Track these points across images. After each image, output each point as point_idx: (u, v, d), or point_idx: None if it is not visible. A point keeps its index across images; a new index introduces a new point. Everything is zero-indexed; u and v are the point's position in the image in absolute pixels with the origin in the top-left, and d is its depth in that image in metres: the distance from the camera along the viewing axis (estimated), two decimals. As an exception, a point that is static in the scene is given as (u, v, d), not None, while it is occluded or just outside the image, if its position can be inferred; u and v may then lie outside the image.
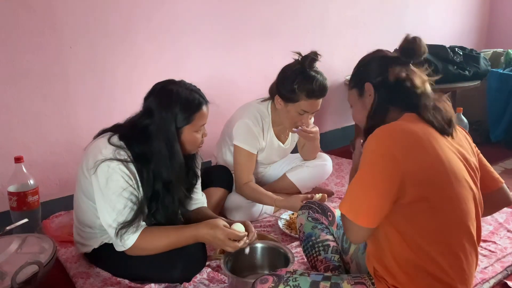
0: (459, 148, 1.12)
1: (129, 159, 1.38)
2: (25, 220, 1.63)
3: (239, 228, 1.41)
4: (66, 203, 1.99)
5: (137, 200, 1.38)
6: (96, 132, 1.50)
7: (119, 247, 1.39)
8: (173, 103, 1.39)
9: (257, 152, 1.98)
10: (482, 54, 2.96)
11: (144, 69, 2.18)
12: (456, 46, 2.88)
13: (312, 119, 2.02)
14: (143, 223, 1.40)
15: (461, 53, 2.83)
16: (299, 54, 1.82)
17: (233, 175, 1.98)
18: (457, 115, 2.59)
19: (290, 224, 1.88)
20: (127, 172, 1.37)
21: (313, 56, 1.78)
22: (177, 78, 1.48)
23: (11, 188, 1.79)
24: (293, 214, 1.92)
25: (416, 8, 3.52)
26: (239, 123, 1.91)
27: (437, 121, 1.09)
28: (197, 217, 1.59)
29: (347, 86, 1.27)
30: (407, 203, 1.02)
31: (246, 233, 1.41)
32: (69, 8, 1.94)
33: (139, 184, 1.40)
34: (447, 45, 2.84)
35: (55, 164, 2.01)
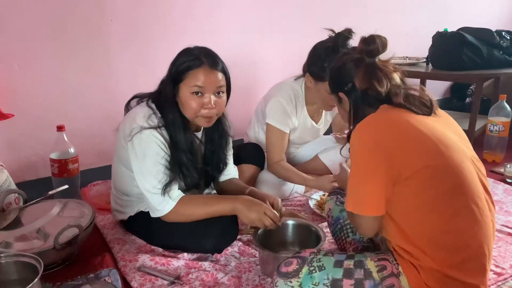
0: (446, 121, 1.15)
1: (161, 124, 1.39)
2: (66, 186, 1.71)
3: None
4: (104, 172, 2.06)
5: (171, 165, 1.41)
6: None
7: (156, 213, 1.42)
8: (173, 61, 1.41)
9: (290, 131, 1.97)
10: (531, 40, 2.81)
11: (183, 44, 2.19)
12: (503, 30, 2.74)
13: None
14: (179, 191, 1.42)
15: (508, 38, 2.68)
16: (333, 31, 1.76)
17: (265, 153, 1.98)
18: (499, 103, 2.49)
19: (321, 204, 1.88)
20: (160, 138, 1.39)
21: (346, 34, 1.70)
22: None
23: (53, 155, 1.87)
24: (324, 194, 1.92)
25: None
26: (272, 101, 1.91)
27: (413, 105, 1.11)
28: (229, 188, 1.62)
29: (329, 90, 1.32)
30: (404, 180, 1.03)
31: (276, 207, 1.44)
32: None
33: (171, 148, 1.41)
34: (494, 29, 2.70)
35: (95, 135, 2.08)
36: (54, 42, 1.90)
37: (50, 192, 1.63)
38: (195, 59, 1.36)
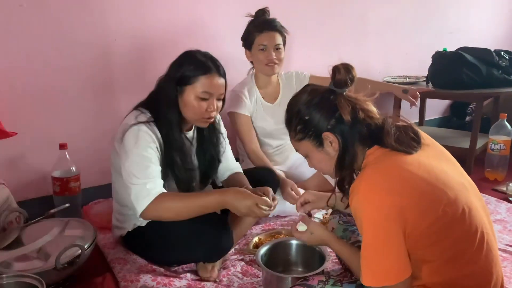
0: (435, 151, 1.10)
1: (150, 120, 1.42)
2: (67, 205, 1.69)
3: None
4: (106, 190, 2.04)
5: (159, 160, 1.41)
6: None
7: (136, 208, 1.35)
8: (179, 62, 1.44)
9: (253, 119, 2.05)
10: (529, 59, 2.84)
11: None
12: (502, 50, 2.77)
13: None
14: (162, 188, 1.39)
15: (507, 58, 2.71)
16: (251, 14, 2.02)
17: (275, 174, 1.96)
18: (500, 121, 2.50)
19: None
20: (150, 132, 1.40)
21: (263, 9, 2.00)
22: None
23: (55, 174, 1.86)
24: (326, 213, 1.91)
25: (458, 10, 3.42)
26: (229, 93, 1.96)
27: (404, 144, 1.04)
28: (231, 184, 1.62)
29: (293, 138, 1.16)
30: (418, 235, 0.98)
31: (274, 201, 1.40)
32: (115, 5, 1.99)
33: (162, 145, 1.43)
34: (492, 49, 2.74)
35: (97, 153, 2.07)
36: (57, 59, 1.91)
37: (52, 211, 1.62)
38: (204, 65, 1.42)
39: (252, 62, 2.06)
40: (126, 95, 2.10)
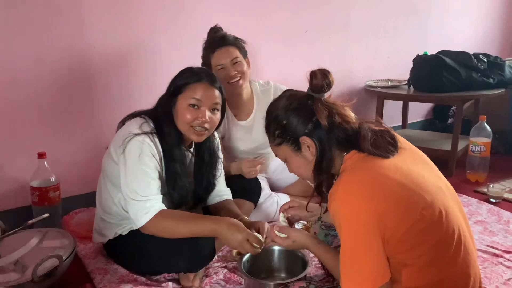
0: (412, 154, 1.11)
1: (154, 131, 1.42)
2: (46, 215, 1.65)
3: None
4: (86, 200, 2.02)
5: (159, 175, 1.41)
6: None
7: (136, 223, 1.38)
8: (178, 74, 1.46)
9: (225, 137, 1.98)
10: (507, 62, 2.90)
11: (167, 66, 2.20)
12: (481, 53, 2.82)
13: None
14: (162, 204, 1.40)
15: (485, 61, 2.77)
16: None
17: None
18: (480, 123, 2.54)
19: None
20: (153, 146, 1.39)
21: (213, 27, 1.95)
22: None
23: (34, 183, 1.83)
24: (307, 223, 1.90)
25: (438, 14, 3.48)
26: None
27: (381, 149, 1.05)
28: (221, 211, 1.61)
29: (272, 143, 1.17)
30: (397, 240, 0.99)
31: (263, 231, 1.41)
32: (96, 11, 1.97)
33: (163, 158, 1.43)
34: (471, 52, 2.78)
35: (77, 162, 2.04)
36: (36, 69, 1.88)
37: (30, 222, 1.58)
38: (196, 75, 1.44)
39: None
40: (105, 104, 2.08)
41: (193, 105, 1.41)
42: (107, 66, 2.06)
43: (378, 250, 0.98)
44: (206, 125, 1.43)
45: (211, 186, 1.62)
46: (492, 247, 1.76)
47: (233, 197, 1.72)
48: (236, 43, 1.90)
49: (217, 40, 1.88)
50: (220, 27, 1.95)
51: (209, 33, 1.94)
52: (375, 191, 1.00)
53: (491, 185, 2.30)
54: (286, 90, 1.22)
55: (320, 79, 1.10)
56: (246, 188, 1.89)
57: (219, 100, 1.46)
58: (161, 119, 1.44)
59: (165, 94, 1.48)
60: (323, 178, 1.12)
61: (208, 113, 1.43)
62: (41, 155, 1.83)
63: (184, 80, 1.44)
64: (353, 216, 0.99)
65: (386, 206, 0.98)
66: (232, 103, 1.96)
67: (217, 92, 1.45)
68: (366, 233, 0.98)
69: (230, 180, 1.76)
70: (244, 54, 1.93)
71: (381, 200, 0.99)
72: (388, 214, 0.98)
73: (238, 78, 1.88)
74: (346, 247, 1.01)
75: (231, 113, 1.99)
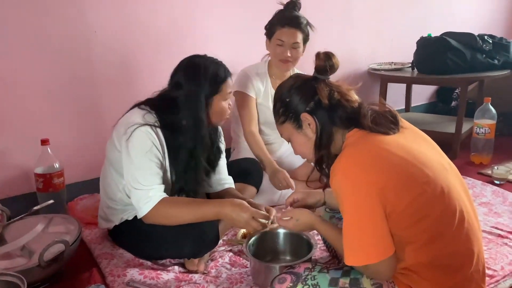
0: (413, 134, 1.13)
1: (157, 124, 1.41)
2: (51, 201, 1.66)
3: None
4: (91, 186, 2.02)
5: (162, 165, 1.42)
6: (120, 116, 1.51)
7: (138, 212, 1.39)
8: (202, 75, 1.43)
9: (257, 99, 2.04)
10: (512, 43, 2.86)
11: (170, 55, 2.18)
12: (486, 34, 2.79)
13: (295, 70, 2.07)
14: (163, 193, 1.40)
15: (490, 42, 2.73)
16: (282, 3, 1.99)
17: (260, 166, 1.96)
18: (484, 105, 2.52)
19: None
20: (155, 136, 1.40)
21: (294, 1, 1.97)
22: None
23: (38, 170, 1.83)
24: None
25: (443, -5, 3.43)
26: (237, 74, 1.96)
27: (381, 125, 1.07)
28: (223, 197, 1.60)
29: (277, 122, 1.20)
30: (399, 213, 0.99)
31: (271, 214, 1.40)
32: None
33: (165, 151, 1.43)
34: (476, 33, 2.75)
35: (80, 148, 2.04)
36: (37, 54, 1.87)
37: (35, 208, 1.59)
38: (223, 72, 1.46)
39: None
40: (108, 89, 2.07)
41: (225, 99, 1.47)
42: (109, 51, 2.04)
43: (381, 222, 0.98)
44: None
45: (219, 150, 1.64)
46: (497, 228, 1.76)
47: (234, 181, 1.72)
48: (305, 29, 1.95)
49: (289, 18, 1.93)
50: (299, 3, 1.98)
51: (287, 5, 1.98)
52: (376, 164, 1.00)
53: (495, 167, 2.29)
54: (295, 73, 1.25)
55: (323, 60, 1.12)
56: (247, 171, 1.90)
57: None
58: (189, 107, 1.41)
59: (192, 96, 1.42)
60: (322, 154, 1.13)
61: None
62: (44, 142, 1.82)
63: (218, 83, 1.44)
64: (355, 187, 0.99)
65: (387, 179, 0.99)
66: (275, 74, 2.07)
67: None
68: (368, 204, 0.98)
69: (231, 164, 1.77)
70: (306, 40, 1.99)
71: (382, 173, 0.99)
72: (389, 187, 0.98)
73: (289, 61, 1.96)
74: (348, 221, 1.01)
75: (270, 82, 2.07)
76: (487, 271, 1.46)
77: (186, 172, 1.46)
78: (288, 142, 1.22)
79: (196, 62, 1.45)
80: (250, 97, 2.01)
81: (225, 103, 1.48)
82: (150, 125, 1.39)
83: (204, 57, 1.48)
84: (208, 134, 1.48)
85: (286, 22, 1.92)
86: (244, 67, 2.07)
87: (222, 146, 1.68)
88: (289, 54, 1.94)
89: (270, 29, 1.96)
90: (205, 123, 1.44)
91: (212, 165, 1.61)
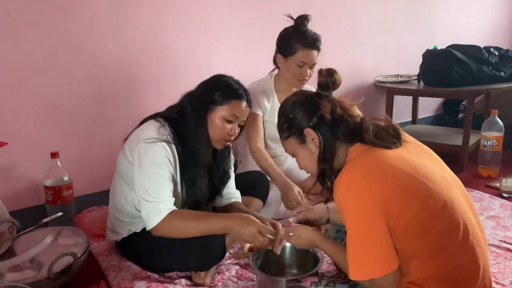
0: (416, 148, 1.13)
1: (169, 138, 1.43)
2: (60, 213, 1.68)
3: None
4: (99, 198, 2.04)
5: (173, 179, 1.43)
6: (128, 129, 1.54)
7: (147, 224, 1.39)
8: (214, 83, 1.47)
9: (264, 119, 2.04)
10: (518, 55, 2.87)
11: (177, 71, 2.22)
12: (492, 47, 2.80)
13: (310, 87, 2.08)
14: (173, 206, 1.41)
15: (496, 54, 2.74)
16: (291, 17, 1.97)
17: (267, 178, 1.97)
18: (491, 118, 2.52)
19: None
20: (168, 150, 1.41)
21: (305, 15, 1.96)
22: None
23: (47, 183, 1.85)
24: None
25: (448, 8, 3.44)
26: None
27: (383, 140, 1.09)
28: (230, 211, 1.60)
29: (281, 137, 1.23)
30: (402, 227, 0.99)
31: (277, 230, 1.39)
32: (105, 10, 1.99)
33: (177, 164, 1.45)
34: (482, 46, 2.76)
35: (89, 161, 2.07)
36: (47, 69, 1.91)
37: (44, 220, 1.61)
38: (237, 92, 1.47)
39: (277, 66, 2.03)
40: (116, 103, 2.10)
41: (229, 121, 1.46)
42: (118, 65, 2.08)
43: (384, 235, 0.99)
44: (233, 137, 1.49)
45: (226, 175, 1.64)
46: (506, 242, 1.75)
47: (243, 194, 1.73)
48: (320, 48, 1.97)
49: (312, 40, 1.92)
50: (309, 17, 1.96)
51: (298, 21, 1.95)
52: (379, 178, 1.01)
53: (503, 180, 2.28)
54: (298, 90, 1.28)
55: (325, 76, 1.16)
56: (253, 184, 1.90)
57: (246, 117, 1.52)
58: (192, 119, 1.45)
59: (200, 98, 1.47)
60: (326, 168, 1.14)
61: (237, 129, 1.50)
62: (54, 155, 1.85)
63: (226, 94, 1.45)
64: (358, 201, 1.00)
65: (390, 192, 0.99)
66: (282, 90, 2.06)
67: (248, 110, 1.51)
68: (371, 218, 0.99)
69: (237, 177, 1.78)
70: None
71: (385, 187, 1.00)
72: (391, 200, 0.99)
73: (306, 80, 1.98)
74: (352, 234, 1.02)
75: (277, 98, 2.07)
76: (495, 286, 1.44)
77: (191, 189, 1.48)
78: (293, 157, 1.24)
79: (215, 75, 1.51)
80: (256, 115, 2.01)
81: (226, 123, 1.46)
82: (163, 138, 1.41)
83: (226, 76, 1.52)
84: (206, 150, 1.48)
85: (309, 44, 1.90)
86: (249, 84, 2.06)
87: (231, 172, 1.67)
88: (308, 74, 1.95)
89: (288, 48, 1.93)
90: (204, 129, 1.45)
91: (216, 188, 1.61)
